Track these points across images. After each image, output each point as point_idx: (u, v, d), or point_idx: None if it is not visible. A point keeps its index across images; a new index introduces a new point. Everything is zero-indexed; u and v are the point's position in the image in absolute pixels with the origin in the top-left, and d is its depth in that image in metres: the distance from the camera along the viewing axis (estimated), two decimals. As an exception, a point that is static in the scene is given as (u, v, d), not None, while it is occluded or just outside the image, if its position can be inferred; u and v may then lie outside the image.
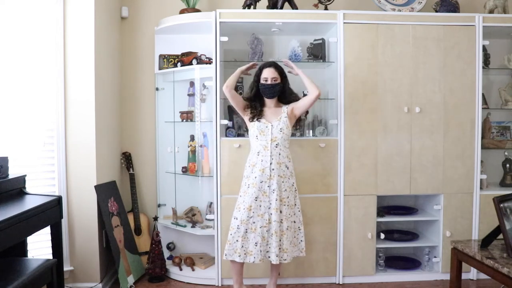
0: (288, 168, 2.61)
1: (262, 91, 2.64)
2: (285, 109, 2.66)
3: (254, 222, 2.54)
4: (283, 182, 2.58)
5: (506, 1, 3.29)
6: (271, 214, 2.54)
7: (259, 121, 2.61)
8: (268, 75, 2.60)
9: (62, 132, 2.81)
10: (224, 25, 3.02)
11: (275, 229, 2.52)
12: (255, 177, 2.56)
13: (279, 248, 2.53)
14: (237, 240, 2.53)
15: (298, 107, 2.67)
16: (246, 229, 2.53)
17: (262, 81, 2.62)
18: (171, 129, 3.43)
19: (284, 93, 2.68)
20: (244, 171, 2.68)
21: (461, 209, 3.12)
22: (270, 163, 2.55)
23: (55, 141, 2.81)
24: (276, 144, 2.58)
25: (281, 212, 2.55)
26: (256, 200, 2.54)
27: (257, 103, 2.68)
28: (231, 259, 2.56)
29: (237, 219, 2.56)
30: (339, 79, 3.04)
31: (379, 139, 3.06)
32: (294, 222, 2.64)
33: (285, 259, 2.57)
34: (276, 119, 2.62)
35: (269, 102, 2.68)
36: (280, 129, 2.59)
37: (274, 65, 2.64)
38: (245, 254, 2.53)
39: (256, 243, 2.52)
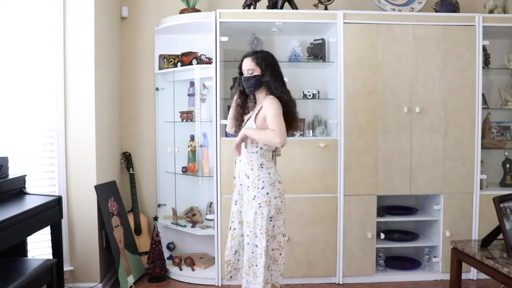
0: (248, 178, 2.17)
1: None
2: (260, 106, 2.21)
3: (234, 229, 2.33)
4: (241, 192, 2.24)
5: (506, 1, 3.29)
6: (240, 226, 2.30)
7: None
8: (244, 66, 2.22)
9: (62, 132, 2.81)
10: (224, 25, 3.02)
11: (243, 244, 2.25)
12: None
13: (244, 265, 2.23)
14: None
15: (268, 122, 2.12)
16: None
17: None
18: (171, 129, 3.43)
19: (268, 87, 2.19)
20: None
21: (461, 209, 3.12)
22: (234, 170, 2.30)
23: (55, 141, 2.81)
24: None
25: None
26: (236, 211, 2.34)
27: (244, 98, 2.34)
28: None
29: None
30: (339, 79, 3.04)
31: (379, 139, 3.06)
32: (248, 244, 2.16)
33: (243, 277, 2.21)
34: (251, 118, 2.24)
35: (257, 98, 2.29)
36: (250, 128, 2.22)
37: (252, 55, 2.22)
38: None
39: (235, 251, 2.33)
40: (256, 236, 2.13)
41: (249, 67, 2.19)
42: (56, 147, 2.81)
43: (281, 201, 2.18)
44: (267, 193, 2.13)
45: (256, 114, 2.21)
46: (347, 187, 3.05)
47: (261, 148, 2.18)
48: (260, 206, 2.12)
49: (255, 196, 2.14)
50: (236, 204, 2.31)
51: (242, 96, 2.34)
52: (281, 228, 2.22)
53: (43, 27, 2.75)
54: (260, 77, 2.17)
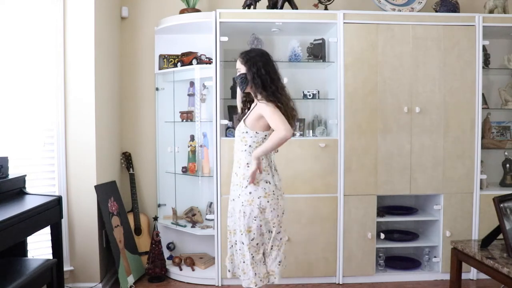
0: (237, 176, 2.21)
1: None
2: (253, 106, 2.26)
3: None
4: (232, 189, 2.28)
5: (506, 1, 3.29)
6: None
7: None
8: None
9: (62, 132, 2.81)
10: (224, 25, 3.02)
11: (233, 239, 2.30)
12: None
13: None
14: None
15: (268, 122, 2.14)
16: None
17: None
18: (171, 129, 3.43)
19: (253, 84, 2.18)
20: None
21: (461, 209, 3.12)
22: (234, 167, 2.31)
23: (55, 141, 2.81)
24: (234, 147, 2.28)
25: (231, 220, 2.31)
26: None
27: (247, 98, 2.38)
28: None
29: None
30: (339, 79, 3.04)
31: (379, 139, 3.06)
32: (240, 242, 2.19)
33: (239, 275, 2.27)
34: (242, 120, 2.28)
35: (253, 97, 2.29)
36: (239, 128, 2.25)
37: (241, 54, 2.25)
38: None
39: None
40: (241, 234, 2.17)
41: (237, 66, 2.25)
42: (56, 147, 2.81)
43: (267, 201, 2.14)
44: (250, 193, 2.14)
45: (248, 115, 2.24)
46: (347, 187, 3.05)
47: (250, 146, 2.17)
48: (243, 205, 2.15)
49: (239, 195, 2.18)
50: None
51: (246, 97, 2.38)
52: (277, 227, 2.21)
53: (43, 27, 2.75)
54: (245, 75, 2.20)
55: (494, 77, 3.50)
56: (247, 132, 2.18)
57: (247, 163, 2.17)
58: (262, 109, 2.12)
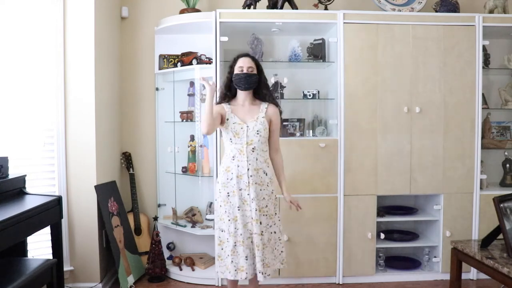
0: (266, 175, 2.33)
1: (235, 82, 2.33)
2: (264, 108, 2.37)
3: (241, 234, 2.25)
4: (261, 190, 2.29)
5: (506, 1, 3.29)
6: (252, 225, 2.26)
7: (233, 122, 2.31)
8: (244, 64, 2.32)
9: (62, 132, 2.81)
10: (224, 25, 3.02)
11: (256, 242, 2.23)
12: (233, 185, 2.27)
13: (263, 264, 2.24)
14: (228, 255, 2.28)
15: (272, 129, 2.39)
16: (235, 243, 2.25)
17: (236, 71, 2.32)
18: (171, 129, 3.43)
19: (259, 87, 2.38)
20: (218, 177, 2.41)
21: (461, 209, 3.12)
22: (248, 169, 2.27)
23: (55, 141, 2.81)
24: (253, 148, 2.28)
25: (261, 223, 2.26)
26: (239, 209, 2.26)
27: (229, 97, 2.43)
28: (223, 277, 2.40)
29: (224, 231, 2.30)
30: (339, 79, 3.04)
31: (379, 139, 3.06)
32: (274, 232, 2.35)
33: (269, 274, 2.28)
34: (252, 119, 2.33)
35: (243, 98, 2.37)
36: (257, 131, 2.29)
37: (251, 56, 2.41)
38: (235, 270, 2.26)
39: (246, 256, 2.24)
40: (274, 224, 2.37)
41: (250, 65, 2.34)
42: (56, 147, 2.81)
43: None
44: (275, 187, 2.42)
45: (256, 114, 2.37)
46: (347, 187, 3.05)
47: (267, 149, 2.39)
48: (276, 198, 2.41)
49: (272, 191, 2.38)
50: (239, 209, 2.26)
51: (228, 92, 2.44)
52: None
53: (43, 27, 2.75)
54: (259, 77, 2.38)
55: (494, 77, 3.50)
56: (267, 132, 2.36)
57: (266, 161, 2.38)
58: (275, 112, 2.39)
